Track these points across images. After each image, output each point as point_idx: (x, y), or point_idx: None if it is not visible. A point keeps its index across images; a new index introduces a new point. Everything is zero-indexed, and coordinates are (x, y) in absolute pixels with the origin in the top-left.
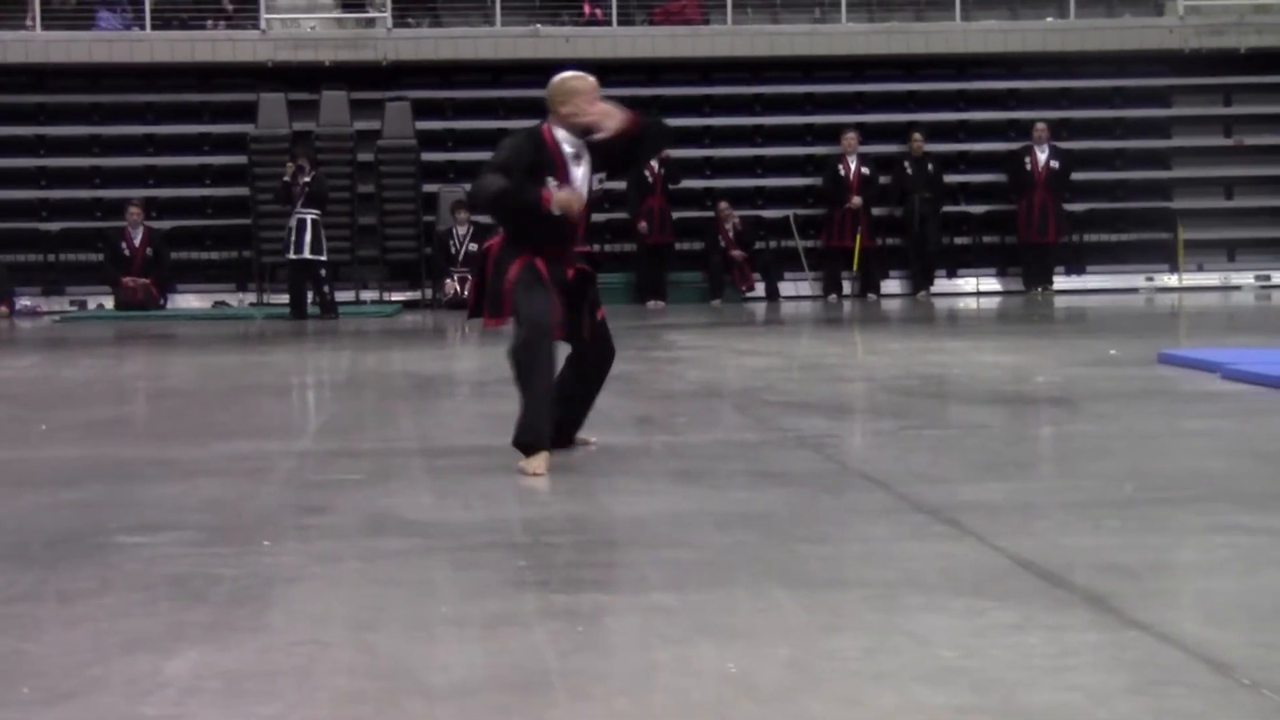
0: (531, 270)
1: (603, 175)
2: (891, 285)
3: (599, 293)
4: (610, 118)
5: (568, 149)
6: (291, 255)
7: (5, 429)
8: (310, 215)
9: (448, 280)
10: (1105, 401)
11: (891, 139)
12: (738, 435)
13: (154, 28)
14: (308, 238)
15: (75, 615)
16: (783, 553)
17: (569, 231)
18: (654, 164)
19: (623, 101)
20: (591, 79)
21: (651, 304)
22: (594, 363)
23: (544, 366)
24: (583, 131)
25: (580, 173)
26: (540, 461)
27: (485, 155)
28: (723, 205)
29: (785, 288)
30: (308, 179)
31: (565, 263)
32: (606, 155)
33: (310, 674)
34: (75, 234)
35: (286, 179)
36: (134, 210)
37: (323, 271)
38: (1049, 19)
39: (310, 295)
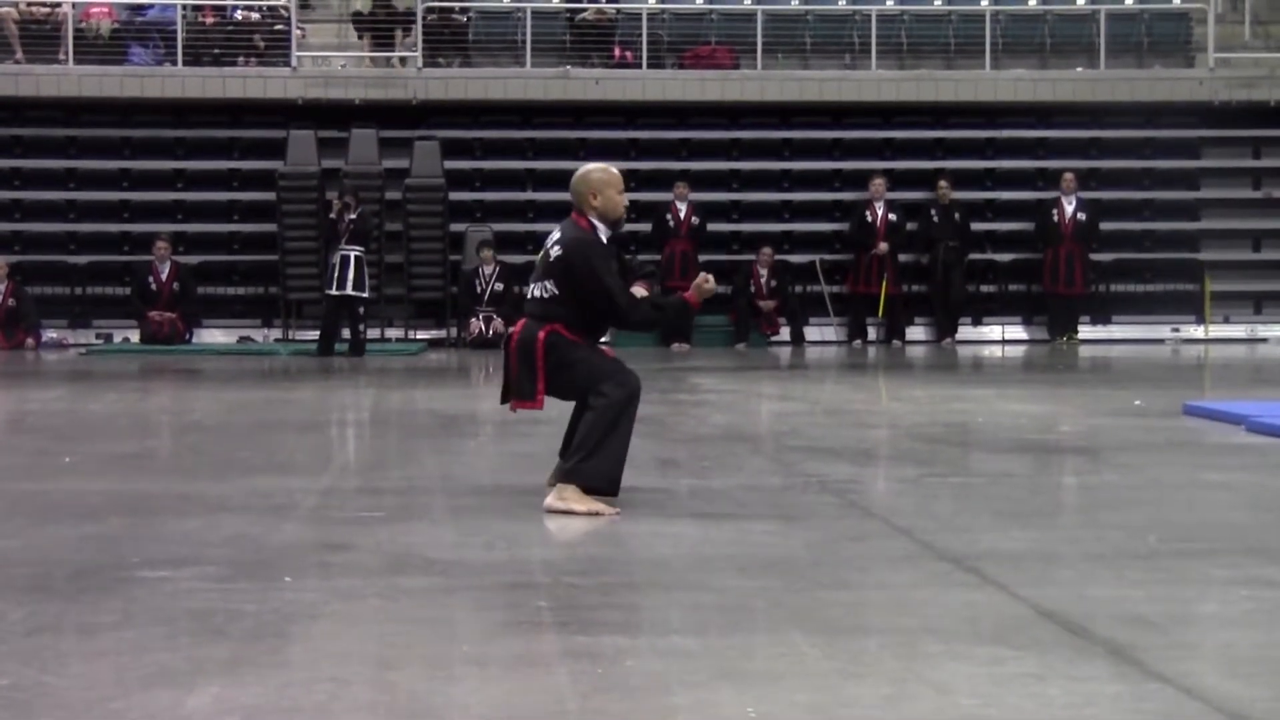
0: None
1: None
2: (916, 332)
3: None
4: (709, 295)
5: (603, 239)
6: (333, 291)
7: (30, 461)
8: (354, 252)
9: (473, 319)
10: (1129, 452)
11: (919, 186)
12: (761, 479)
13: (185, 63)
14: (350, 274)
15: (97, 648)
16: (804, 598)
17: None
18: (679, 207)
19: (651, 145)
20: (616, 170)
21: (676, 346)
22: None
23: (629, 428)
24: (613, 224)
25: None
26: (600, 504)
27: (513, 195)
28: (765, 250)
29: (810, 332)
30: (353, 216)
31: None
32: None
33: (330, 711)
34: (103, 267)
35: (332, 216)
36: (161, 245)
37: (361, 309)
38: (1079, 69)
39: (343, 332)
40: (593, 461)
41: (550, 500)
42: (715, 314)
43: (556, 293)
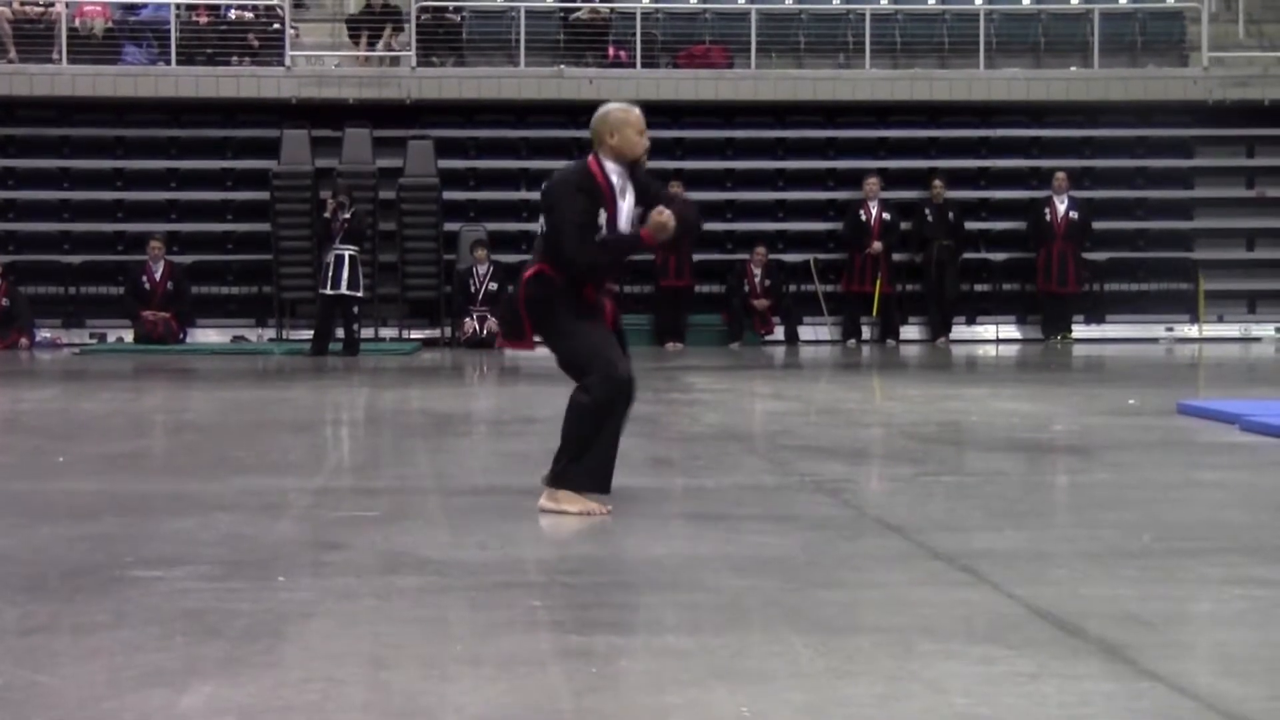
0: (598, 315)
1: (642, 209)
2: (910, 331)
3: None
4: (665, 231)
5: (615, 180)
6: (328, 290)
7: (24, 461)
8: (348, 251)
9: (467, 319)
10: (1123, 451)
11: (913, 185)
12: (755, 479)
13: (179, 63)
14: (345, 274)
15: (90, 648)
16: (798, 597)
17: (617, 267)
18: None
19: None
20: (637, 111)
21: (670, 346)
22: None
23: (618, 426)
24: (630, 164)
25: (626, 204)
26: (593, 503)
27: (507, 194)
28: (759, 249)
29: (804, 332)
30: (347, 216)
31: (604, 294)
32: (643, 192)
33: (323, 711)
34: (97, 267)
35: (326, 215)
36: (155, 245)
37: (355, 308)
38: (1072, 68)
39: (337, 332)
40: (581, 464)
41: (543, 501)
42: (709, 313)
43: (544, 229)
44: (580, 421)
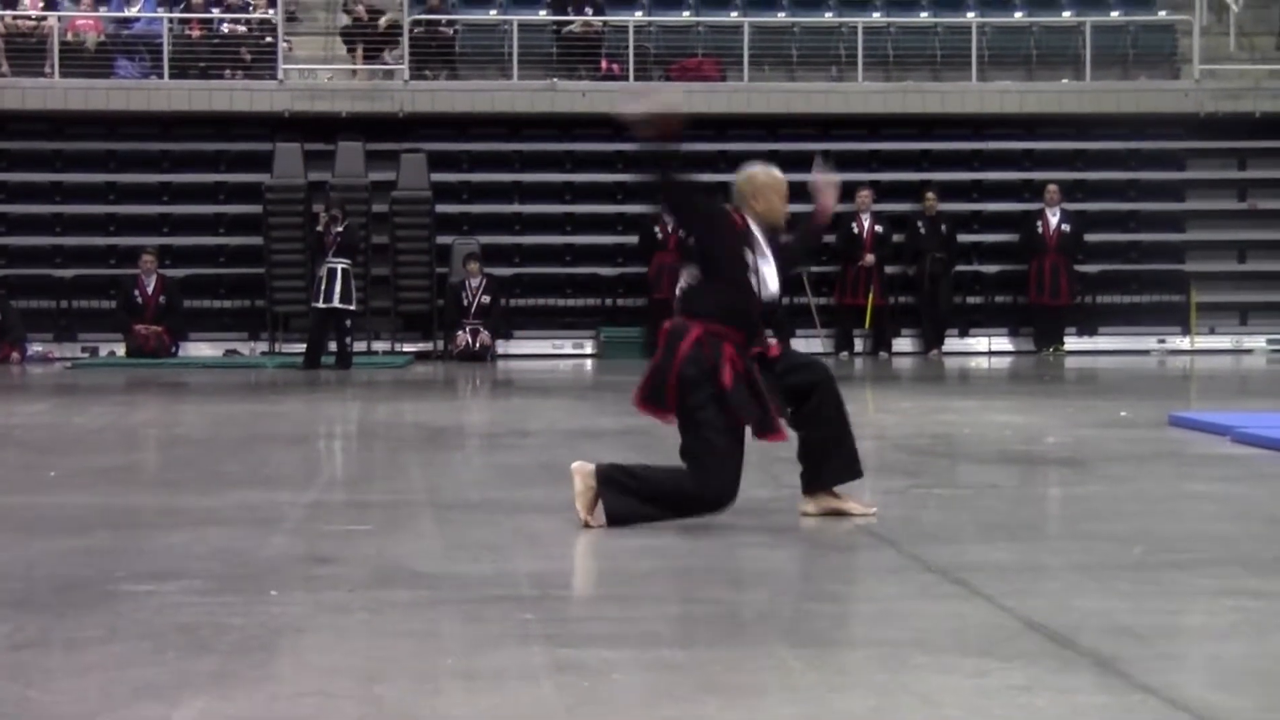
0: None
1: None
2: (903, 344)
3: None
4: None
5: (755, 232)
6: (320, 304)
7: (15, 475)
8: (341, 265)
9: (460, 332)
10: (1115, 463)
11: (905, 197)
12: (748, 492)
13: (171, 77)
14: (337, 287)
15: (82, 663)
16: (791, 610)
17: (758, 316)
18: (667, 220)
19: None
20: (781, 176)
21: None
22: (820, 406)
23: (677, 514)
24: (770, 228)
25: (767, 261)
26: (589, 515)
27: (500, 207)
28: None
29: (797, 344)
30: (340, 229)
31: (750, 350)
32: (788, 253)
33: None
34: (89, 280)
35: (319, 229)
36: (147, 258)
37: (348, 322)
38: (1065, 80)
39: (330, 345)
40: (629, 501)
41: (577, 464)
42: None
43: (700, 268)
44: (670, 492)
